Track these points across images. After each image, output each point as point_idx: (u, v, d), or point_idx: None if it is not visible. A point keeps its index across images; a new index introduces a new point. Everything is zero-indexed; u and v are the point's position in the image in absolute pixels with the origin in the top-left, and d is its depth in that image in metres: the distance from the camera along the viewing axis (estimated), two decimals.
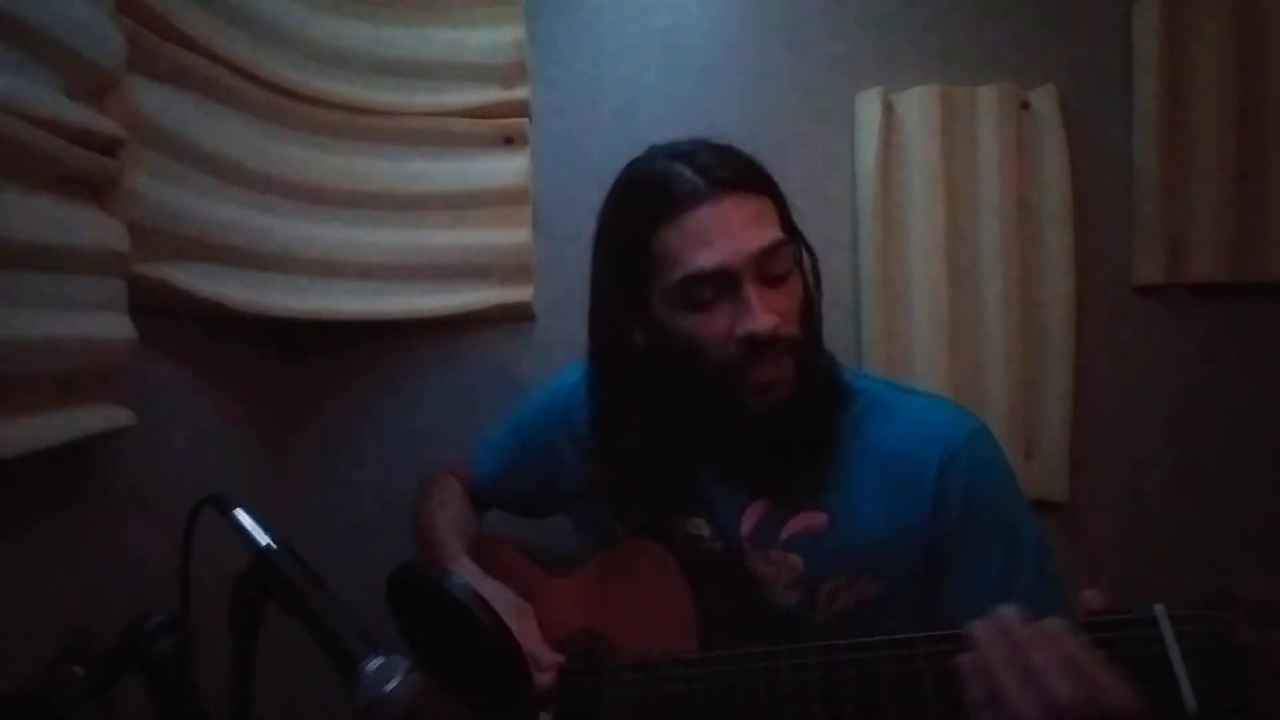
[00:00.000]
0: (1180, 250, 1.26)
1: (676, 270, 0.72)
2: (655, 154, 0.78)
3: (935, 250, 1.24)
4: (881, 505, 0.75)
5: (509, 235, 1.25)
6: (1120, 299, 1.30)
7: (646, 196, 0.75)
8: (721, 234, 0.70)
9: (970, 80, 1.27)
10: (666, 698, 0.71)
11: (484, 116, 1.23)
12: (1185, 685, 0.47)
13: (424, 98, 1.21)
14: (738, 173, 0.73)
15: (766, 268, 0.72)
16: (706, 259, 0.70)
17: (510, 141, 1.24)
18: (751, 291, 0.70)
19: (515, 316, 1.30)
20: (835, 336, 1.27)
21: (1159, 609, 0.49)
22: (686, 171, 0.72)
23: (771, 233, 0.72)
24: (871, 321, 1.26)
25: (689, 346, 0.73)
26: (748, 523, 0.80)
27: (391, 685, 0.55)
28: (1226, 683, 0.47)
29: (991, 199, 1.25)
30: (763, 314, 0.70)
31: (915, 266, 1.26)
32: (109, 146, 0.78)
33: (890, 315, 1.26)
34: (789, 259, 0.74)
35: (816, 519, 0.77)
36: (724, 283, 0.71)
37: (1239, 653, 0.47)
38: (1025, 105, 1.27)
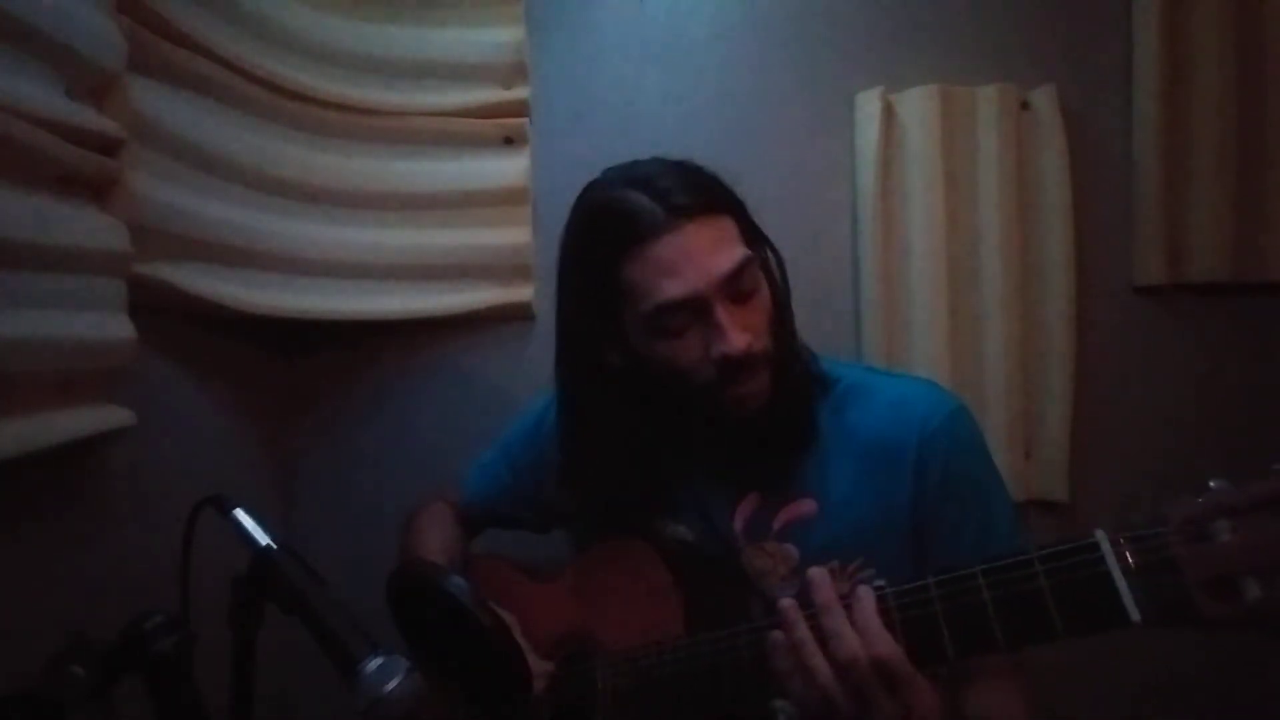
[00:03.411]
0: (1180, 250, 1.26)
1: (646, 301, 0.72)
2: (613, 180, 0.77)
3: (935, 250, 1.24)
4: (866, 488, 0.77)
5: (509, 235, 1.26)
6: (1120, 299, 1.30)
7: (608, 228, 0.75)
8: (687, 262, 0.71)
9: (970, 80, 1.27)
10: (658, 682, 0.73)
11: (484, 116, 1.23)
12: (1128, 600, 0.52)
13: (424, 98, 1.21)
14: (696, 196, 0.73)
15: (734, 288, 0.73)
16: (675, 289, 0.71)
17: (510, 141, 1.24)
18: (722, 314, 0.71)
19: (515, 316, 1.30)
20: (835, 336, 1.29)
21: (1099, 534, 0.54)
22: (645, 200, 0.72)
23: (735, 253, 0.73)
24: (871, 321, 1.26)
25: (667, 371, 0.75)
26: (741, 518, 0.81)
27: (391, 685, 0.56)
28: (1165, 594, 0.51)
29: (991, 199, 1.25)
30: (735, 334, 0.71)
31: (915, 266, 1.26)
32: (109, 146, 0.78)
33: (890, 315, 1.26)
34: (755, 274, 0.75)
35: (806, 507, 0.79)
36: (695, 308, 0.72)
37: (1173, 566, 0.51)
38: (1025, 105, 1.27)
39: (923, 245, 1.25)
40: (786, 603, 0.62)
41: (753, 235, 0.78)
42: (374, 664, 0.57)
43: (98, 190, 0.78)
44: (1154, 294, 1.29)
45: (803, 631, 0.60)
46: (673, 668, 0.72)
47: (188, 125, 0.92)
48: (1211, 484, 0.53)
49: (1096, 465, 1.28)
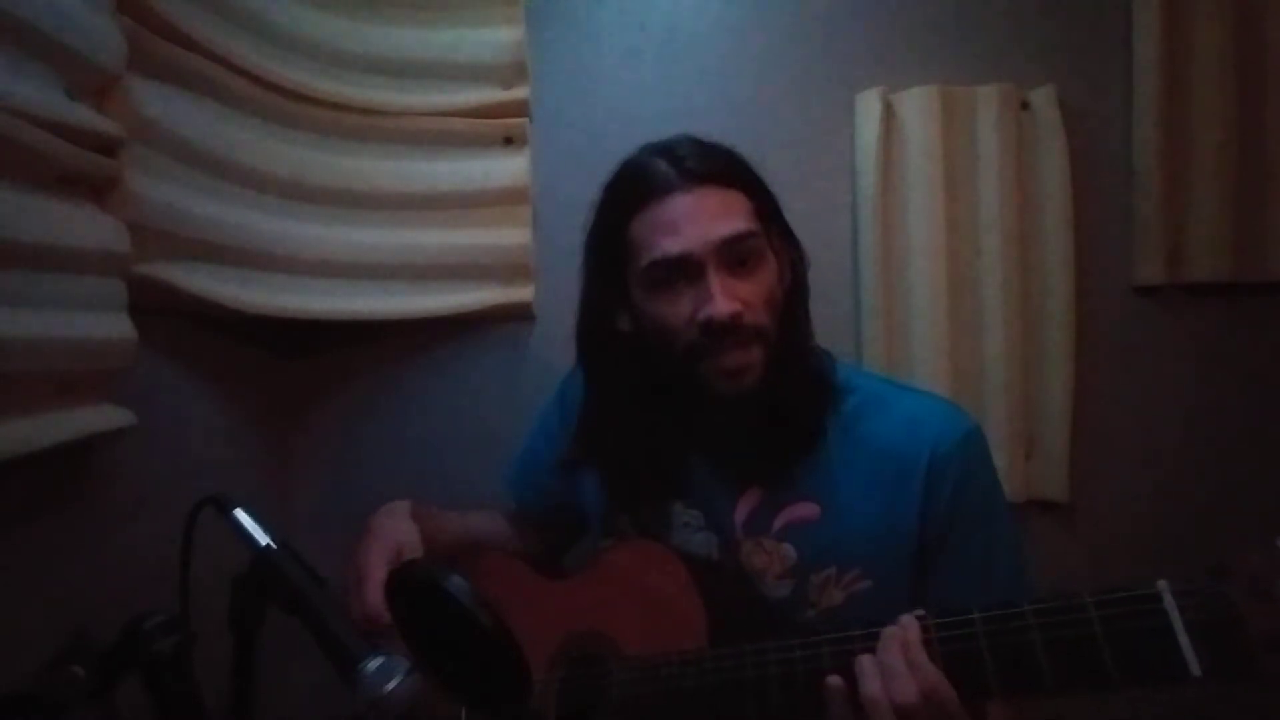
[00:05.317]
0: (1180, 250, 1.26)
1: (645, 256, 0.75)
2: (642, 149, 0.81)
3: (935, 250, 1.24)
4: (873, 499, 0.77)
5: (509, 235, 1.25)
6: (1120, 299, 1.30)
7: (624, 189, 0.79)
8: (688, 222, 0.73)
9: (970, 80, 1.27)
10: (675, 693, 0.72)
11: (484, 116, 1.23)
12: (1189, 653, 0.51)
13: (424, 98, 1.20)
14: (712, 166, 0.76)
15: (732, 256, 0.74)
16: (671, 245, 0.73)
17: (510, 141, 1.24)
18: (714, 278, 0.73)
19: (515, 316, 1.30)
20: (835, 336, 1.28)
21: (1162, 584, 0.53)
22: (662, 164, 0.76)
23: (738, 223, 0.74)
24: (871, 321, 1.26)
25: (659, 331, 0.77)
26: (742, 511, 0.81)
27: (391, 685, 0.56)
28: (1227, 650, 0.51)
29: (991, 199, 1.25)
30: (723, 300, 0.72)
31: (915, 266, 1.26)
32: (109, 146, 0.78)
33: (890, 315, 1.26)
34: (759, 250, 0.76)
35: (808, 510, 0.79)
36: (689, 269, 0.74)
37: (1237, 622, 0.51)
38: (1025, 105, 1.27)
39: (923, 245, 1.25)
40: (867, 660, 0.61)
41: (774, 225, 0.79)
42: (374, 664, 0.57)
43: (98, 190, 0.78)
44: (1154, 294, 1.29)
45: (875, 688, 0.60)
46: (692, 680, 0.71)
47: (188, 125, 0.91)
48: (1278, 542, 0.52)
49: (1096, 465, 1.28)
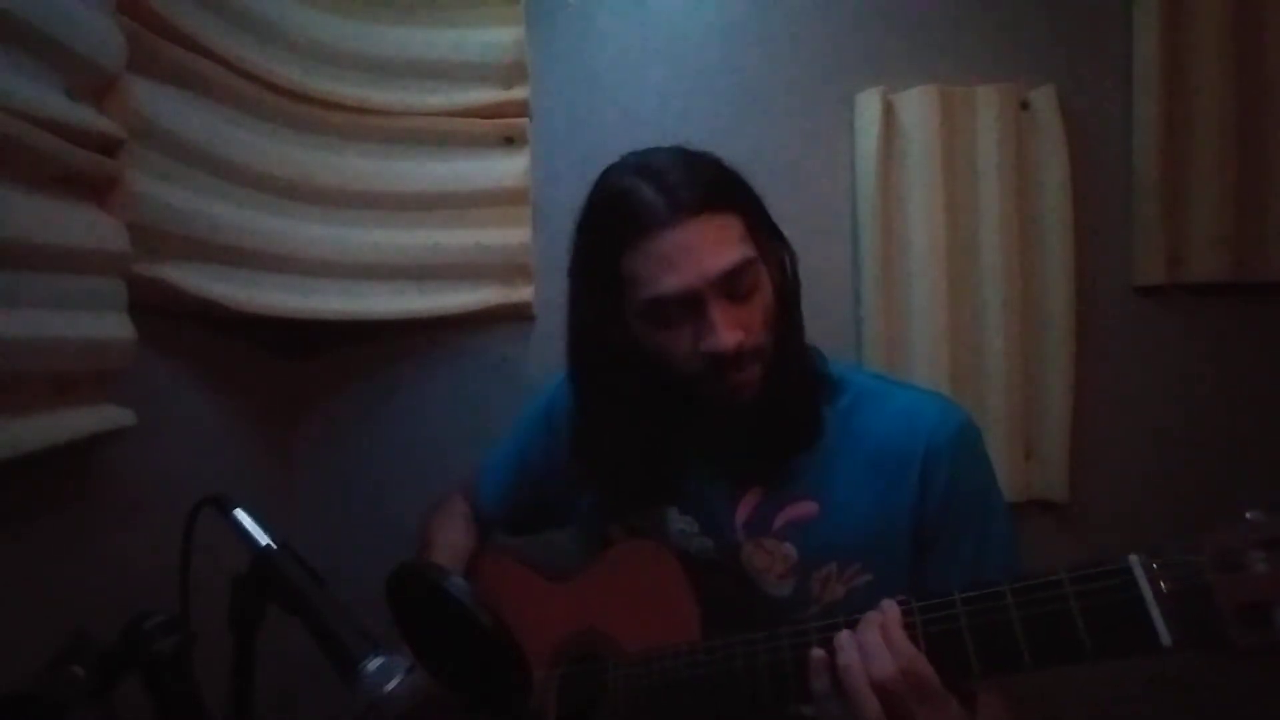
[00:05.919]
0: (1180, 250, 1.26)
1: (643, 291, 0.73)
2: (626, 167, 0.78)
3: (935, 250, 1.24)
4: (870, 493, 0.77)
5: (509, 235, 1.26)
6: (1120, 299, 1.30)
7: (613, 219, 0.75)
8: (684, 258, 0.71)
9: (970, 80, 1.27)
10: (671, 686, 0.73)
11: (484, 116, 1.23)
12: (1160, 624, 0.52)
13: (424, 98, 1.21)
14: (703, 192, 0.73)
15: (730, 286, 0.73)
16: (670, 283, 0.71)
17: (510, 141, 1.24)
18: (715, 310, 0.72)
19: (515, 316, 1.30)
20: (835, 336, 1.29)
21: (1132, 558, 0.54)
22: (649, 192, 0.73)
23: (735, 253, 0.73)
24: (871, 321, 1.26)
25: (659, 358, 0.76)
26: (743, 513, 0.81)
27: (391, 685, 0.56)
28: (1197, 620, 0.51)
29: (991, 199, 1.25)
30: (726, 332, 0.71)
31: (915, 266, 1.26)
32: (109, 146, 0.78)
33: (890, 315, 1.26)
34: (756, 274, 0.75)
35: (807, 508, 0.79)
36: (689, 302, 0.72)
37: (1206, 592, 0.51)
38: (1025, 105, 1.27)
39: (923, 245, 1.25)
40: (844, 634, 0.62)
41: (764, 232, 0.78)
42: (374, 664, 0.57)
43: (98, 190, 0.78)
44: (1154, 294, 1.29)
45: (851, 658, 0.60)
46: (687, 672, 0.72)
47: (188, 125, 0.92)
48: (1248, 515, 0.52)
49: (1096, 465, 1.28)
